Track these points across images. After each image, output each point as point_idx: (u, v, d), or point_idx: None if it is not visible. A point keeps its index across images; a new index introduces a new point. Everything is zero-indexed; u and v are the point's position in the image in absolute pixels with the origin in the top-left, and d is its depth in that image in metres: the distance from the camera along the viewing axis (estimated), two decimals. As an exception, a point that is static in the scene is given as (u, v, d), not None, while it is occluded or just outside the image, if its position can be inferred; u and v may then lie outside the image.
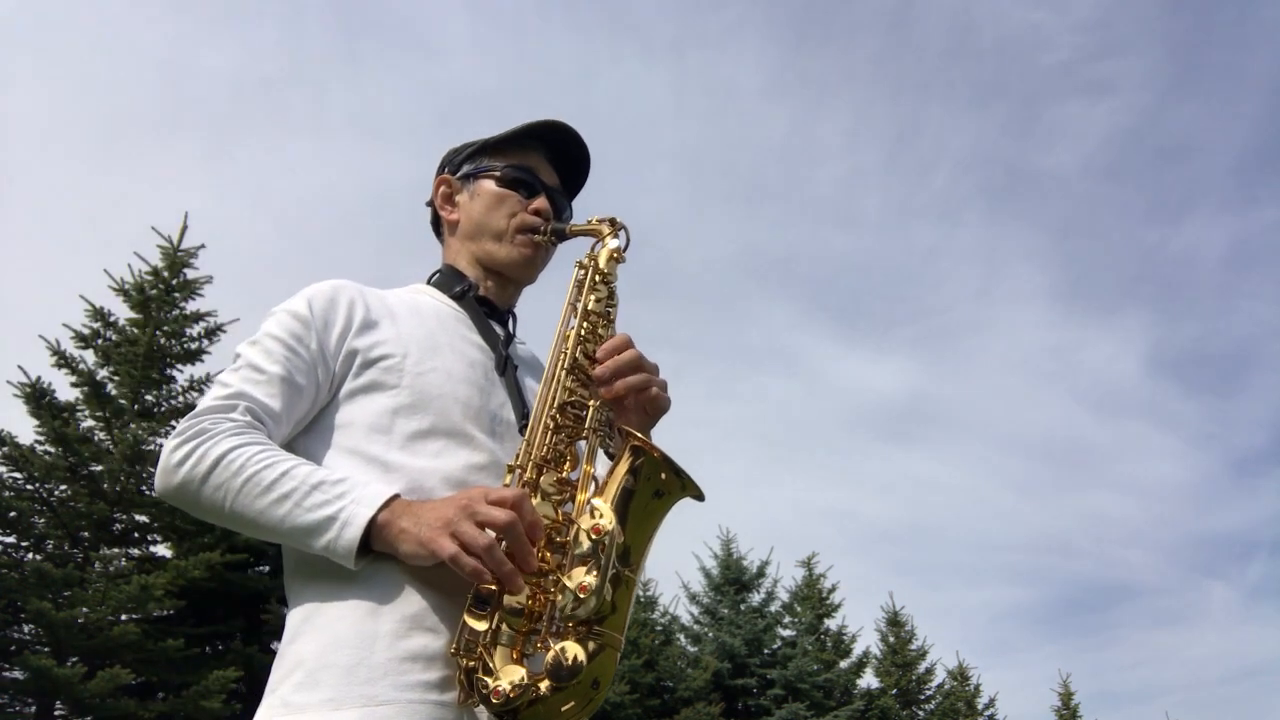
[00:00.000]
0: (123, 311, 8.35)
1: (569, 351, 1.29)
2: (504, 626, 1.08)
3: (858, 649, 14.87)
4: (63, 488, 7.51)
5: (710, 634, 13.79)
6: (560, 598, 1.07)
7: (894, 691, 14.89)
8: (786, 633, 14.35)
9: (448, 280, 1.47)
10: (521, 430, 1.29)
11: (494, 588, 1.07)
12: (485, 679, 1.04)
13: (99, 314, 8.12)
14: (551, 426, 1.22)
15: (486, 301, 1.46)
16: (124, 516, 7.77)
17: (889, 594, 16.57)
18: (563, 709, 1.03)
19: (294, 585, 1.20)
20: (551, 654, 1.04)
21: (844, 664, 14.25)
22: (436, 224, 1.57)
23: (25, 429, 7.82)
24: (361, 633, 1.09)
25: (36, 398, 7.53)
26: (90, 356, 8.04)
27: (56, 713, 7.16)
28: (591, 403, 1.26)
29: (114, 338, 8.19)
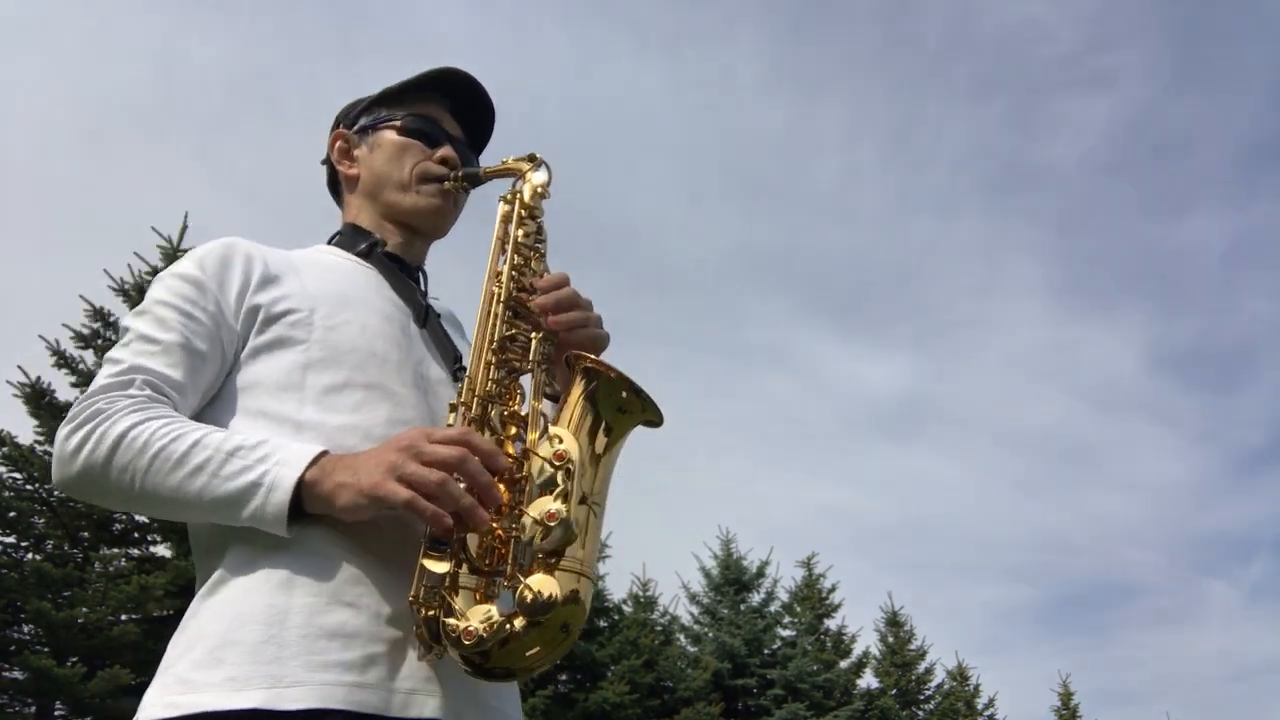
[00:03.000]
0: (123, 311, 8.35)
1: (504, 285, 1.21)
2: (465, 569, 1.00)
3: (857, 649, 14.89)
4: (62, 488, 7.50)
5: (710, 634, 13.80)
6: (524, 530, 1.00)
7: (894, 691, 14.89)
8: (786, 633, 14.35)
9: (350, 239, 1.36)
10: (455, 376, 1.23)
11: (452, 529, 0.99)
12: (452, 622, 0.97)
13: (99, 314, 8.13)
14: (493, 362, 1.14)
15: (395, 258, 1.35)
16: (124, 516, 7.77)
17: (888, 594, 16.57)
18: (529, 652, 0.97)
19: (201, 557, 1.10)
20: (522, 589, 0.96)
21: (844, 664, 14.25)
22: (334, 184, 1.46)
23: (25, 429, 7.81)
24: (273, 606, 0.98)
25: (36, 398, 7.54)
26: (90, 356, 8.04)
27: (56, 713, 7.17)
28: (534, 335, 1.18)
29: (114, 338, 8.20)
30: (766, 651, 13.52)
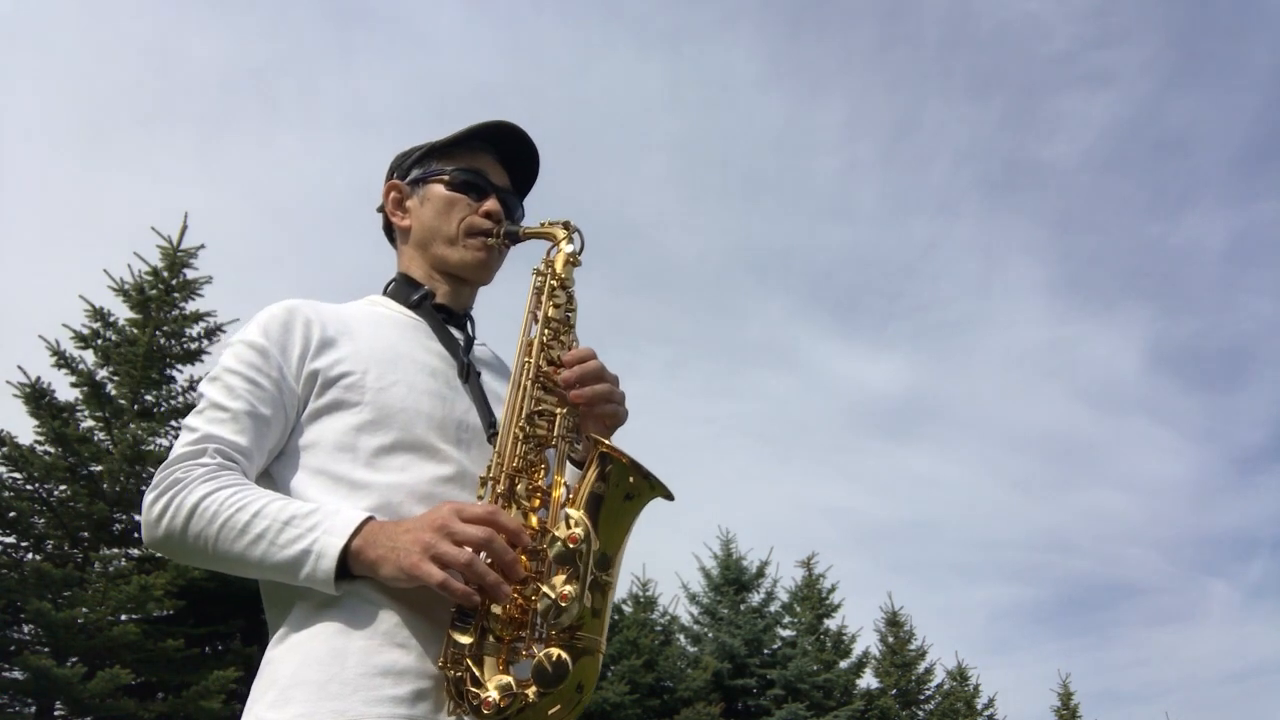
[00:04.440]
0: (122, 312, 8.37)
1: (533, 360, 1.30)
2: (489, 638, 1.10)
3: (857, 649, 14.88)
4: (62, 488, 7.51)
5: (710, 634, 13.79)
6: (542, 605, 1.10)
7: (893, 691, 14.89)
8: (786, 633, 14.35)
9: (402, 289, 1.47)
10: (490, 439, 1.31)
11: (478, 601, 1.10)
12: (474, 690, 1.07)
13: (99, 314, 8.13)
14: (520, 436, 1.24)
15: (444, 308, 1.46)
16: (124, 516, 7.77)
17: (888, 594, 16.58)
18: (550, 713, 1.06)
19: (271, 613, 1.23)
20: (537, 661, 1.07)
21: (844, 664, 14.24)
22: (389, 230, 1.57)
23: (25, 429, 7.83)
24: (333, 649, 1.11)
25: (36, 398, 7.53)
26: (90, 356, 8.05)
27: (56, 713, 7.16)
28: (559, 410, 1.28)
29: (114, 338, 8.20)
30: (766, 651, 13.52)
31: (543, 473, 1.25)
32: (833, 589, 15.22)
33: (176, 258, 8.61)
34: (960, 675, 16.18)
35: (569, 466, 1.28)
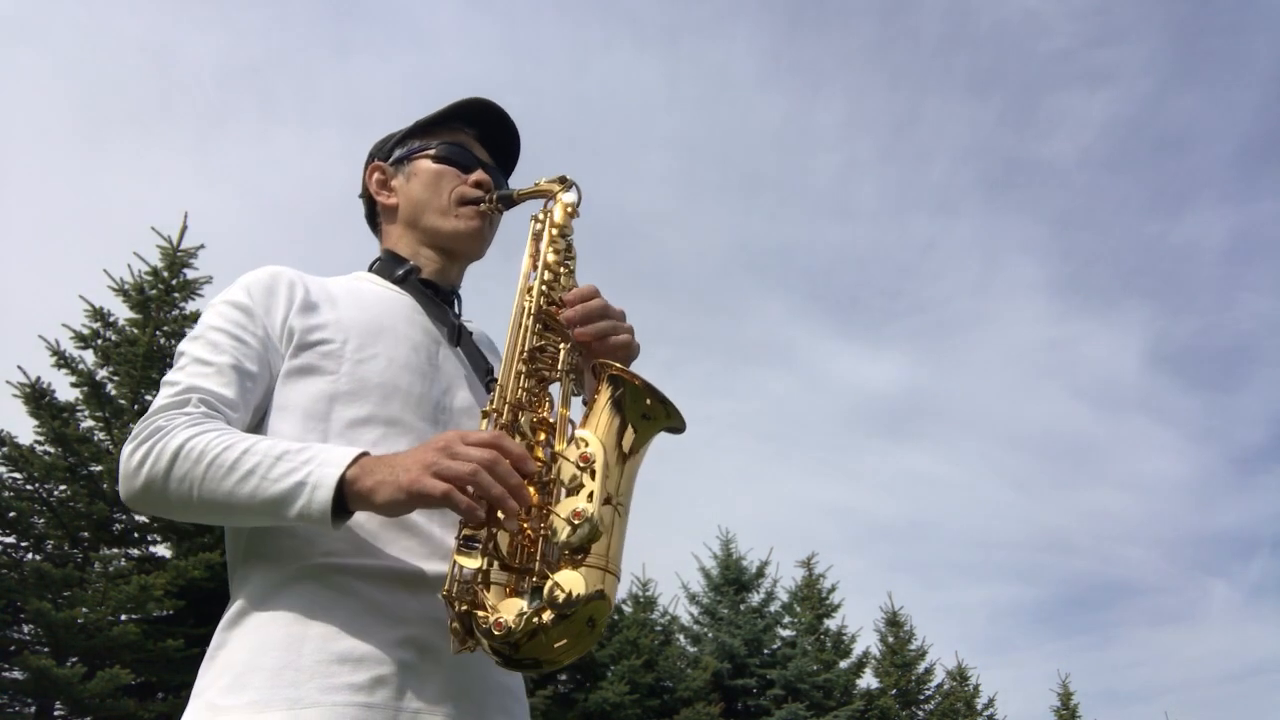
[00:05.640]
0: (122, 312, 8.36)
1: (534, 299, 1.27)
2: (495, 565, 1.04)
3: (857, 649, 14.88)
4: (63, 488, 7.51)
5: (710, 634, 13.79)
6: (554, 531, 1.04)
7: (893, 691, 14.88)
8: (786, 633, 14.34)
9: (388, 265, 1.44)
10: (486, 387, 1.27)
11: (484, 525, 1.03)
12: (483, 614, 1.01)
13: (99, 314, 8.12)
14: (523, 371, 1.20)
15: (430, 284, 1.42)
16: (124, 516, 7.77)
17: (888, 594, 16.58)
18: (557, 645, 1.01)
19: (232, 582, 1.19)
20: (550, 584, 1.01)
21: (844, 664, 14.24)
22: (371, 216, 1.54)
23: (25, 429, 7.82)
24: (290, 635, 1.07)
25: (36, 398, 7.53)
26: (90, 357, 8.04)
27: (56, 713, 7.16)
28: (562, 345, 1.24)
29: (114, 338, 8.19)
30: (766, 651, 13.51)
31: (547, 406, 1.21)
32: (833, 589, 15.24)
33: (176, 258, 8.60)
34: (960, 675, 16.18)
35: (575, 404, 1.24)
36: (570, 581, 1.01)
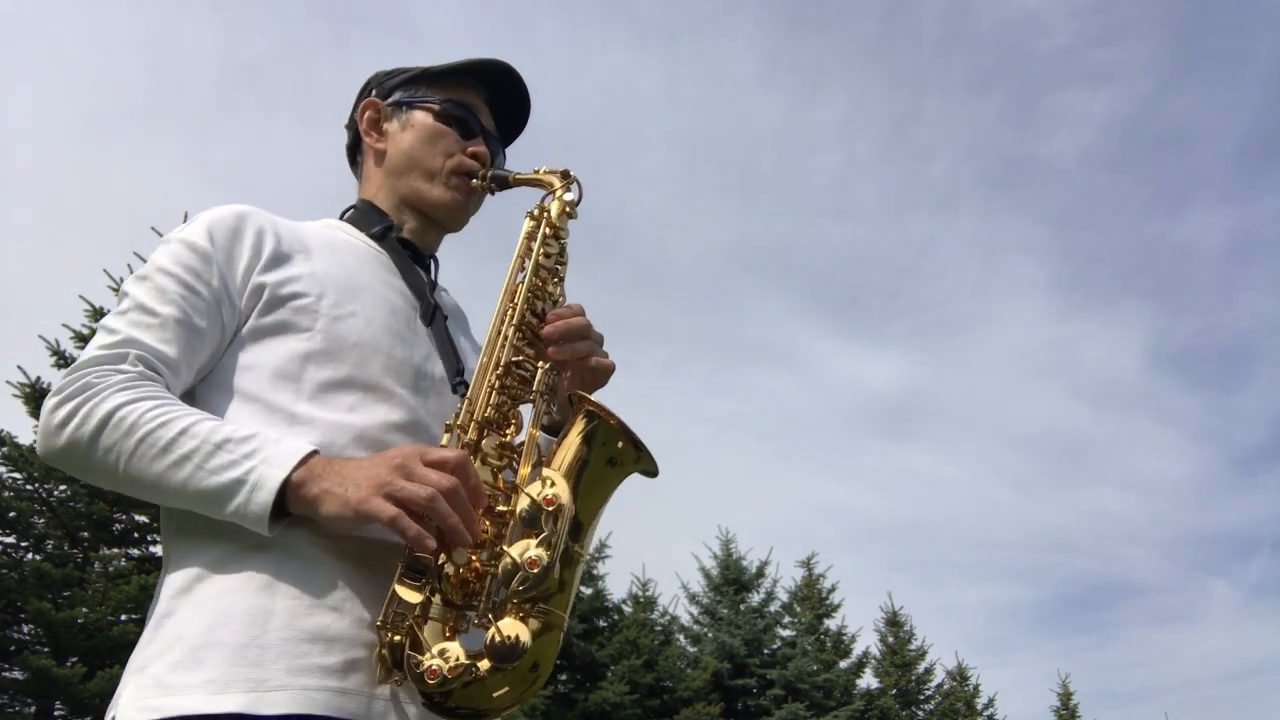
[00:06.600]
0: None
1: (518, 307, 1.18)
2: (437, 599, 0.98)
3: (857, 649, 14.88)
4: (62, 488, 7.51)
5: (710, 634, 13.79)
6: (502, 569, 0.97)
7: (893, 691, 14.88)
8: (786, 633, 14.34)
9: (365, 217, 1.32)
10: (454, 388, 1.18)
11: (431, 556, 0.97)
12: (416, 655, 0.95)
13: (99, 314, 8.12)
14: (496, 386, 1.12)
15: (409, 244, 1.32)
16: (124, 516, 7.78)
17: (888, 594, 16.58)
18: (496, 694, 0.95)
19: (175, 545, 1.06)
20: (492, 632, 0.95)
21: (843, 664, 14.24)
22: (353, 151, 1.42)
23: (25, 429, 7.81)
24: (254, 608, 0.96)
25: (36, 398, 7.53)
26: (90, 357, 8.04)
27: (56, 713, 7.16)
28: (540, 365, 1.17)
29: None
30: (766, 651, 13.51)
31: (514, 429, 1.13)
32: (833, 589, 15.24)
33: (176, 258, 8.61)
34: (960, 675, 16.17)
35: (540, 433, 1.16)
36: (514, 630, 0.95)
